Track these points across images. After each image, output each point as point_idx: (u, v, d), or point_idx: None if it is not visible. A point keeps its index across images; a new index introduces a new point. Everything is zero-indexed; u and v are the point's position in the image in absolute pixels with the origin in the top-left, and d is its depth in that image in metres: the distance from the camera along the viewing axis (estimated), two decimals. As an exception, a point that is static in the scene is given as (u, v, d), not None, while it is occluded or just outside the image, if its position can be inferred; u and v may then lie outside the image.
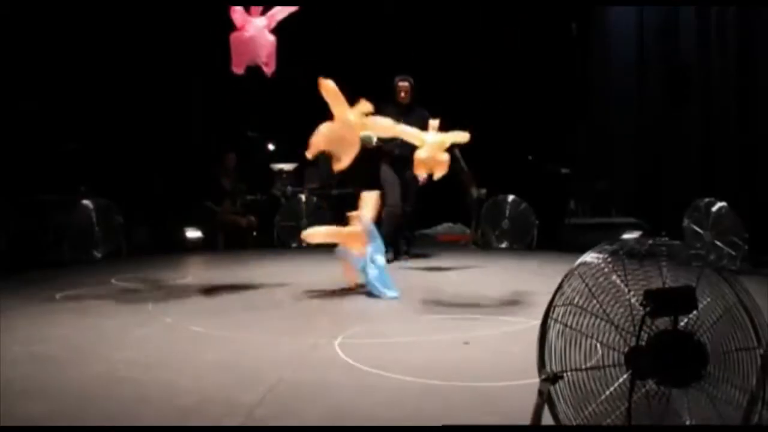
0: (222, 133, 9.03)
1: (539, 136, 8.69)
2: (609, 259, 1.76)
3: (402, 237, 6.81)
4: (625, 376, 1.68)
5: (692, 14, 7.21)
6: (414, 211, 6.75)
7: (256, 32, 4.52)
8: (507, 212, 7.98)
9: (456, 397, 2.44)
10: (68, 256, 6.52)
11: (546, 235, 7.82)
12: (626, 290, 1.72)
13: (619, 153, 8.30)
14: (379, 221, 5.14)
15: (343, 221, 4.86)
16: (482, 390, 2.51)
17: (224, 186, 8.44)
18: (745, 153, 6.54)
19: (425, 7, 8.81)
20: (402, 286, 4.91)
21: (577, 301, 1.74)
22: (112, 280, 5.33)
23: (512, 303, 4.24)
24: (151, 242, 7.83)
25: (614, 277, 1.74)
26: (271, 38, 4.59)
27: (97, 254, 6.87)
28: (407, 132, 4.92)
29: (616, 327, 1.70)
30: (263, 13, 4.59)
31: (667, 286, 1.71)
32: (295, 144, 9.00)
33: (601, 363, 1.71)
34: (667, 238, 1.80)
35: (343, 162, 4.51)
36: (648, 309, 1.64)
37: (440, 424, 2.11)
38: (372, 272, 4.56)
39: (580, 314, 1.73)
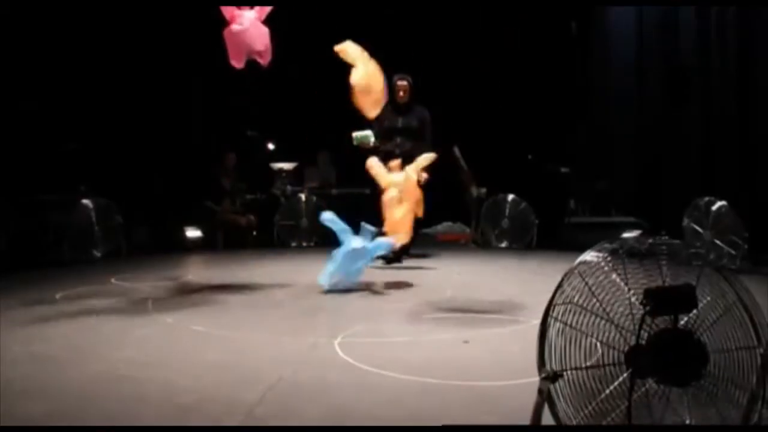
0: (222, 133, 9.04)
1: (539, 136, 8.70)
2: (609, 258, 1.77)
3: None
4: (625, 374, 1.68)
5: (692, 14, 7.22)
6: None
7: (249, 24, 4.52)
8: (507, 211, 7.98)
9: (456, 396, 2.44)
10: (68, 255, 6.51)
11: (546, 235, 7.82)
12: (626, 289, 1.72)
13: (619, 153, 8.31)
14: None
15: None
16: (482, 389, 2.51)
17: (224, 185, 8.44)
18: (745, 153, 6.54)
19: (425, 7, 8.81)
20: (402, 286, 4.92)
21: (577, 300, 1.74)
22: (112, 280, 5.33)
23: (512, 302, 4.23)
24: (151, 242, 7.82)
25: (614, 275, 1.74)
26: (264, 29, 4.58)
27: (97, 254, 6.86)
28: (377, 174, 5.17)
29: (616, 326, 1.70)
30: (252, 7, 4.60)
31: (667, 284, 1.71)
32: (294, 143, 9.07)
33: (601, 362, 1.71)
34: (667, 237, 1.80)
35: (372, 112, 4.80)
36: (648, 308, 1.64)
37: (440, 423, 2.11)
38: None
39: (580, 313, 1.73)
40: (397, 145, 6.33)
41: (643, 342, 1.67)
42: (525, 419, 1.78)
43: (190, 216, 8.08)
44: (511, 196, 8.01)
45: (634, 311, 1.69)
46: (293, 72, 8.70)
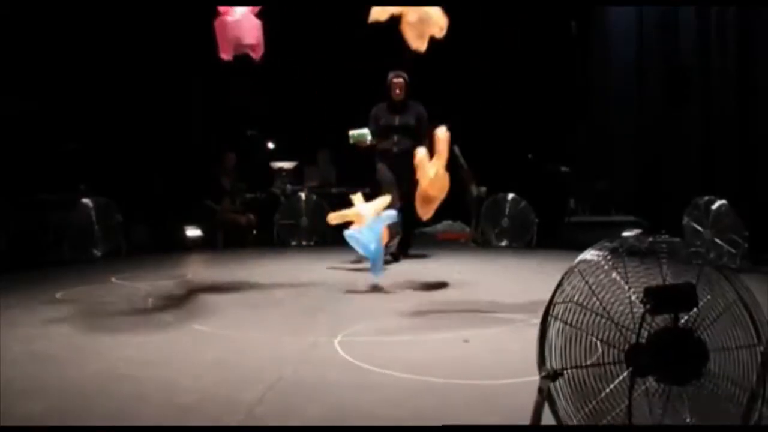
0: (222, 133, 9.04)
1: (539, 135, 8.71)
2: (609, 257, 1.76)
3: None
4: (625, 373, 1.68)
5: (692, 14, 7.22)
6: (413, 210, 6.70)
7: (241, 16, 4.47)
8: (507, 210, 7.99)
9: (456, 395, 2.44)
10: (68, 255, 6.52)
11: (546, 234, 7.82)
12: (626, 287, 1.72)
13: (619, 152, 8.31)
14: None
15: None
16: (482, 388, 2.51)
17: (224, 185, 8.44)
18: (745, 152, 6.54)
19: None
20: (402, 285, 4.91)
21: (578, 299, 1.74)
22: (112, 279, 5.33)
23: (512, 301, 4.23)
24: (151, 241, 7.82)
25: (614, 274, 1.74)
26: (256, 21, 4.55)
27: (97, 253, 6.87)
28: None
29: (617, 324, 1.70)
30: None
31: (667, 283, 1.71)
32: (294, 142, 9.07)
33: (601, 360, 1.71)
34: (667, 236, 1.80)
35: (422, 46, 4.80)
36: (648, 306, 1.64)
37: (440, 423, 2.11)
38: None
39: (581, 311, 1.73)
40: (394, 143, 6.29)
41: (644, 340, 1.67)
42: (525, 418, 1.78)
43: (190, 215, 8.08)
44: (511, 195, 8.02)
45: (635, 310, 1.69)
46: (293, 71, 8.70)
